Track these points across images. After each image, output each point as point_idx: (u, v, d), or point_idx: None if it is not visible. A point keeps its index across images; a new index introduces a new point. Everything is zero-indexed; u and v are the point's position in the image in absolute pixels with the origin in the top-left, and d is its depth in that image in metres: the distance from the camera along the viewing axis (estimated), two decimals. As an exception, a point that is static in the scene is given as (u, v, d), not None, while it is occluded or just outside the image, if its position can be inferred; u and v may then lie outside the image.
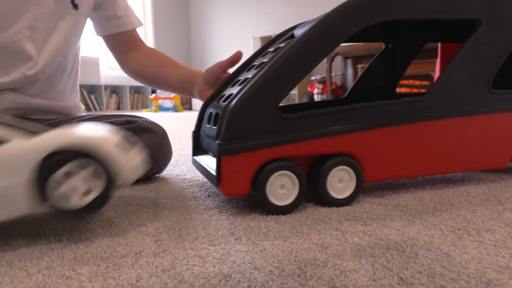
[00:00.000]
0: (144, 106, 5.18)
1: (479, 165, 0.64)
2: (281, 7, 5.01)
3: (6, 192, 0.38)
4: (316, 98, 4.39)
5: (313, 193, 0.54)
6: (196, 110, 5.42)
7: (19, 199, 0.39)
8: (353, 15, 0.53)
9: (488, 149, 0.63)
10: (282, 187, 0.51)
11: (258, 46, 5.06)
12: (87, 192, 0.40)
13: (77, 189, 0.39)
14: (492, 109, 0.61)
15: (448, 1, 0.57)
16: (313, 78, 4.63)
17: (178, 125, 2.24)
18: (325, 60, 4.25)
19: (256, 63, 0.63)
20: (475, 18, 0.58)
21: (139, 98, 5.16)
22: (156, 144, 0.72)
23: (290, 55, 0.51)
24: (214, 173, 0.51)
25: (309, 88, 4.59)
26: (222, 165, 0.49)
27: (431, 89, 0.58)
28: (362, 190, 0.60)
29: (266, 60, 0.57)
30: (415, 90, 2.85)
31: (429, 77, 3.12)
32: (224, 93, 0.62)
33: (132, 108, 5.04)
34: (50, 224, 0.48)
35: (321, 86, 4.33)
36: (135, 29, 0.88)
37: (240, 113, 0.50)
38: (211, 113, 0.60)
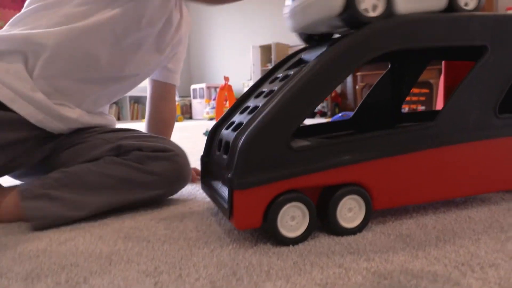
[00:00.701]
0: (144, 116, 5.19)
1: (488, 188, 0.64)
2: (280, 16, 5.02)
3: None
4: (316, 105, 4.39)
5: (323, 222, 0.54)
6: (196, 119, 5.42)
7: None
8: (364, 46, 0.53)
9: (496, 172, 0.63)
10: (293, 218, 0.51)
11: (257, 55, 5.08)
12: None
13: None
14: (499, 133, 0.61)
15: (455, 30, 0.57)
16: (312, 86, 4.64)
17: (179, 137, 2.24)
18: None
19: (264, 89, 0.63)
20: (481, 45, 0.59)
21: (139, 108, 5.17)
22: (176, 172, 0.73)
23: (301, 87, 0.51)
24: (225, 205, 0.51)
25: (308, 96, 4.59)
26: (234, 199, 0.49)
27: (438, 116, 0.58)
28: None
29: (276, 88, 0.56)
30: (414, 98, 2.84)
31: (428, 84, 3.12)
32: (234, 119, 0.62)
33: (132, 119, 5.04)
34: (49, 264, 0.48)
35: (320, 93, 4.32)
36: (175, 86, 1.03)
37: (251, 146, 0.49)
38: (221, 140, 0.60)
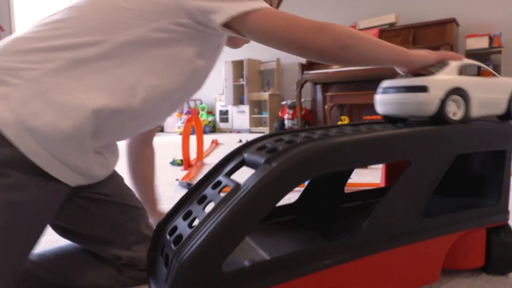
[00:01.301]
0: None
1: (413, 284, 0.68)
2: (252, 31, 5.06)
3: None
4: (287, 123, 4.45)
5: None
6: (167, 132, 5.38)
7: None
8: (299, 170, 0.56)
9: (421, 269, 0.67)
10: None
11: (230, 70, 5.11)
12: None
13: None
14: (424, 236, 0.66)
15: (381, 149, 0.62)
16: (283, 103, 4.70)
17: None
18: (294, 86, 4.34)
19: (207, 193, 0.64)
20: (405, 159, 0.63)
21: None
22: None
23: (235, 213, 0.53)
24: None
25: (279, 113, 4.65)
26: None
27: (364, 226, 0.61)
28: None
29: (215, 201, 0.58)
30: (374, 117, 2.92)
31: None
32: (176, 224, 0.63)
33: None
34: None
35: (291, 111, 4.39)
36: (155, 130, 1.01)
37: (184, 277, 0.51)
38: (164, 246, 0.61)
